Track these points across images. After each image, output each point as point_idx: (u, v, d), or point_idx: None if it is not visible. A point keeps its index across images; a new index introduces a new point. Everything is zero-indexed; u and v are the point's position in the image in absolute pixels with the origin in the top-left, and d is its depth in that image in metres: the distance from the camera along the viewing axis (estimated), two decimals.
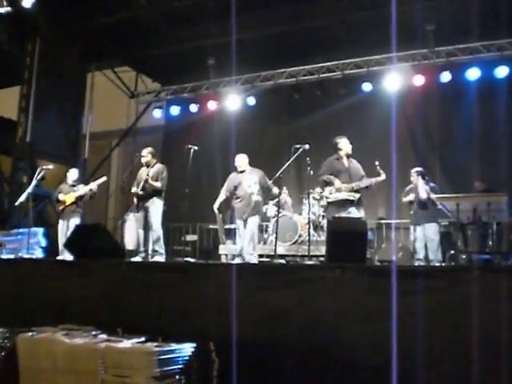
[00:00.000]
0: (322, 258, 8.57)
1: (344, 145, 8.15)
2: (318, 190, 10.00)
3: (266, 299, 4.80)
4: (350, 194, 7.81)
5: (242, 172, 8.71)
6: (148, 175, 8.56)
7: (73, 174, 9.93)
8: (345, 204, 7.77)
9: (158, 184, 8.54)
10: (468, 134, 10.45)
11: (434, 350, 4.02)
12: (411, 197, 9.07)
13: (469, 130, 10.43)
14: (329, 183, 7.98)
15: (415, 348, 3.95)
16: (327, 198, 8.02)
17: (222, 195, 8.81)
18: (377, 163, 7.95)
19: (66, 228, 9.38)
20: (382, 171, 7.98)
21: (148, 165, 8.80)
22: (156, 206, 8.56)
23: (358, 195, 7.84)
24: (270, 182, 8.59)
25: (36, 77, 12.14)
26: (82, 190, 9.63)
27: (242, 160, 8.76)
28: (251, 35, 11.04)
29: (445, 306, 4.12)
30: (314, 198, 10.03)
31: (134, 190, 8.73)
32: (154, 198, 8.57)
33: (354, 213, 7.71)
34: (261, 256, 9.72)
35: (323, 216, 10.06)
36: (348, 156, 8.15)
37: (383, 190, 11.35)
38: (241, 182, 8.62)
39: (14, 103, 12.46)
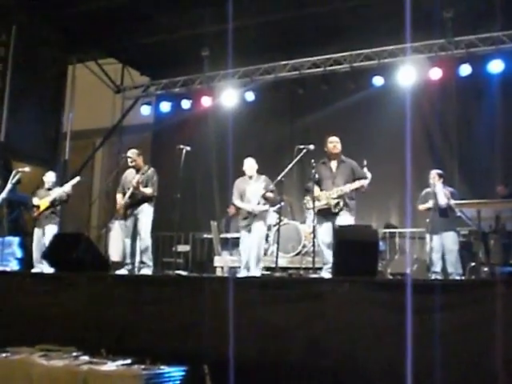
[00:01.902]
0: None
1: (328, 145, 8.00)
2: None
3: (266, 317, 4.80)
4: (328, 201, 7.72)
5: (249, 178, 8.72)
6: (139, 182, 8.48)
7: (49, 176, 9.91)
8: (327, 213, 7.73)
9: (148, 190, 8.48)
10: (490, 134, 10.46)
11: (454, 373, 4.02)
12: (430, 204, 8.94)
13: (491, 128, 10.44)
14: (308, 191, 7.96)
15: (433, 371, 3.95)
16: (307, 208, 8.00)
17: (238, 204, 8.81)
18: (365, 163, 7.77)
19: (40, 236, 9.38)
20: (368, 172, 7.77)
21: (136, 168, 8.72)
22: (146, 214, 8.49)
23: (335, 202, 7.67)
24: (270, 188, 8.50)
25: (11, 69, 12.12)
26: (55, 193, 9.60)
27: (250, 165, 8.76)
28: (250, 23, 11.05)
29: (465, 324, 4.12)
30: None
31: (119, 197, 8.63)
32: (145, 205, 8.49)
33: (339, 221, 7.61)
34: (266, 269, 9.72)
35: None
36: (335, 157, 7.96)
37: (396, 196, 11.39)
38: (245, 190, 8.66)
39: None
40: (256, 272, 8.32)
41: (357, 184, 7.69)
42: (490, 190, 9.49)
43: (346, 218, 7.62)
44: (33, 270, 8.76)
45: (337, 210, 7.67)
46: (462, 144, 11.08)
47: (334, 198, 7.71)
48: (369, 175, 7.78)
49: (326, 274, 7.51)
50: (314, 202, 8.00)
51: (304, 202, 8.13)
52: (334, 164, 7.97)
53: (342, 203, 7.69)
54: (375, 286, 4.70)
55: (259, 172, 8.76)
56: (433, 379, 3.94)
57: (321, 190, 7.85)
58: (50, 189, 9.74)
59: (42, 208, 9.52)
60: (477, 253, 8.88)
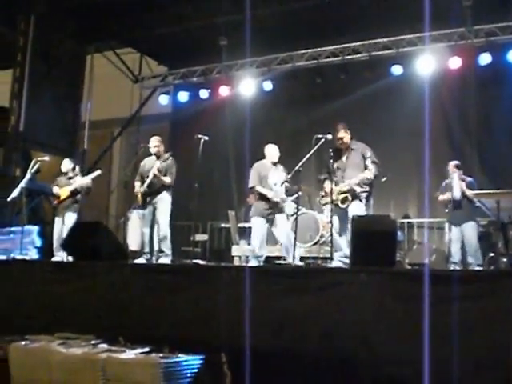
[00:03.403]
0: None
1: (336, 134, 7.83)
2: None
3: (283, 306, 4.80)
4: (337, 197, 7.57)
5: (273, 164, 8.45)
6: (159, 170, 8.49)
7: (66, 164, 9.91)
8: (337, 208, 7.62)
9: (167, 179, 8.49)
10: (510, 123, 10.38)
11: (471, 365, 4.00)
12: (448, 195, 8.91)
13: (511, 118, 10.35)
14: (319, 182, 7.86)
15: (450, 362, 3.93)
16: (321, 204, 7.89)
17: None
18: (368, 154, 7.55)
19: (61, 225, 9.40)
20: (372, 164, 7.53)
21: (157, 155, 8.73)
22: (165, 202, 8.52)
23: (342, 197, 7.53)
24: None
25: (30, 59, 12.17)
26: (76, 183, 9.62)
27: (273, 151, 8.47)
28: (268, 12, 11.01)
29: (483, 314, 4.10)
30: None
31: (137, 185, 8.65)
32: (163, 194, 8.51)
33: (351, 211, 7.43)
34: (278, 258, 9.71)
35: None
36: (345, 147, 7.81)
37: (414, 186, 11.33)
38: (267, 175, 8.37)
39: (5, 89, 12.53)
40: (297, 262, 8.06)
41: (360, 177, 7.49)
42: (510, 180, 9.40)
43: (356, 207, 7.51)
44: (53, 259, 8.82)
45: (345, 206, 7.58)
46: (482, 134, 10.98)
47: (341, 193, 7.57)
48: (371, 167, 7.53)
49: (337, 261, 7.46)
50: (331, 191, 7.97)
51: (318, 199, 8.05)
52: (344, 154, 7.86)
53: (350, 197, 7.54)
54: (393, 276, 4.68)
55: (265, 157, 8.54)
56: (450, 370, 3.93)
57: (332, 181, 7.65)
58: (70, 177, 9.75)
59: (62, 197, 9.56)
60: (496, 243, 8.83)
